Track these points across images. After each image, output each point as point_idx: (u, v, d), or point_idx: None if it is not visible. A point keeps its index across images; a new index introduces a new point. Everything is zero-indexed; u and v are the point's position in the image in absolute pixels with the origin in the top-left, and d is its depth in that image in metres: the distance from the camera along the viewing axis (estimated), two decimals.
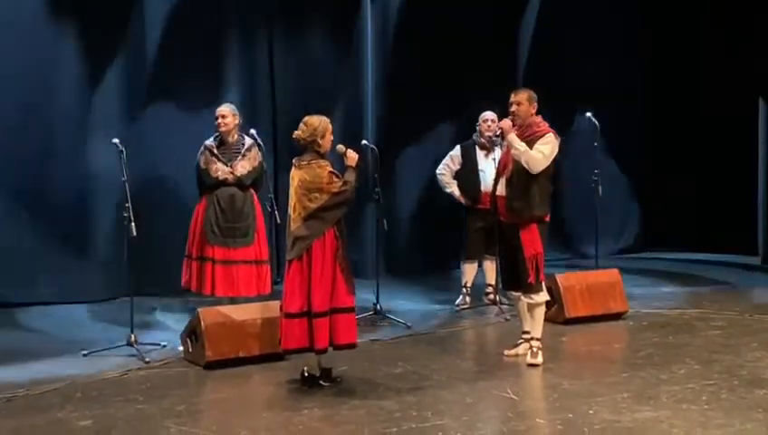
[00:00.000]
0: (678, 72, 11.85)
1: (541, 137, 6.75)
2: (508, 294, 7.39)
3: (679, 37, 11.84)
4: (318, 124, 6.26)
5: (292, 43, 10.13)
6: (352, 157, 6.34)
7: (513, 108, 6.85)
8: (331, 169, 6.25)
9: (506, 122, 6.84)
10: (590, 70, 11.34)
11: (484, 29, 10.84)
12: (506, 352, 7.12)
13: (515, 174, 6.76)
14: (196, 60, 9.61)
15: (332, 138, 6.34)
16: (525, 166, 6.69)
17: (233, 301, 7.83)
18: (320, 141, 6.24)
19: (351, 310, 6.29)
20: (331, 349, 6.28)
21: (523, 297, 6.92)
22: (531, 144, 6.71)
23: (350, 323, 6.28)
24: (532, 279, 6.76)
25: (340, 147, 6.44)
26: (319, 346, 6.21)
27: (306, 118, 6.33)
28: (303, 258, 6.19)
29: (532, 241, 6.73)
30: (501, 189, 6.88)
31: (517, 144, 6.71)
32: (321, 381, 6.36)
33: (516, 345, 7.11)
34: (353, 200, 6.30)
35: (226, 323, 6.94)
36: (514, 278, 6.90)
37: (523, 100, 6.83)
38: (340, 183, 6.21)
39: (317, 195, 6.18)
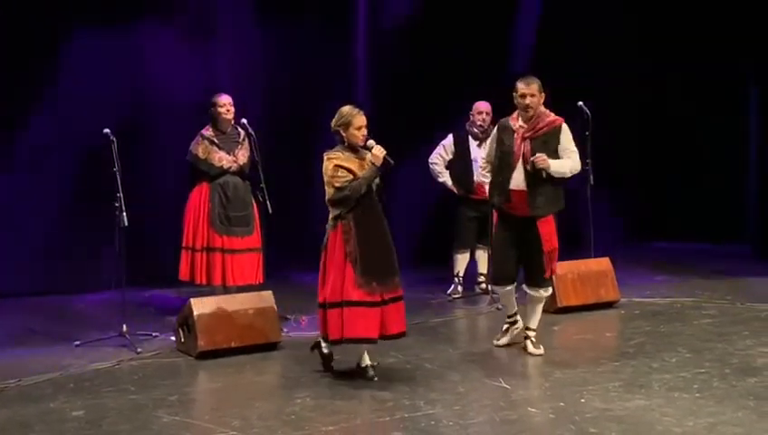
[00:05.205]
0: (670, 63, 11.83)
1: (555, 128, 6.58)
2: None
3: (669, 26, 11.82)
4: (344, 114, 6.15)
5: (284, 31, 10.10)
6: (376, 154, 6.13)
7: (527, 100, 6.55)
8: (338, 163, 6.09)
9: (544, 160, 6.47)
10: (582, 60, 11.33)
11: (479, 17, 10.84)
12: (496, 341, 7.10)
13: (536, 169, 6.53)
14: (187, 46, 9.60)
15: (363, 132, 6.13)
16: (570, 174, 6.60)
17: (226, 290, 7.85)
18: (343, 132, 6.14)
19: (357, 304, 6.06)
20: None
21: (530, 290, 6.81)
22: (546, 136, 6.54)
23: (355, 316, 6.05)
24: (548, 274, 6.71)
25: (371, 142, 6.19)
26: (330, 337, 6.18)
27: (342, 107, 6.23)
28: (327, 248, 6.17)
29: (549, 235, 6.63)
30: (518, 183, 6.61)
31: (562, 170, 6.53)
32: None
33: (504, 333, 7.06)
34: (354, 197, 6.06)
35: (219, 314, 6.94)
36: (526, 274, 6.74)
37: (535, 90, 6.56)
38: (346, 178, 6.07)
39: (327, 187, 6.14)
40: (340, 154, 6.14)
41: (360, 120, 6.15)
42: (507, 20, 11.30)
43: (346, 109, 6.20)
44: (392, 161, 6.17)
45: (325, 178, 6.13)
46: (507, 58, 11.09)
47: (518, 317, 7.03)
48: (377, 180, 6.20)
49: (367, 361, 6.35)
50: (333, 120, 6.19)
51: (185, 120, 8.98)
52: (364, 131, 6.16)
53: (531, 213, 6.62)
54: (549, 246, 6.64)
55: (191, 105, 9.16)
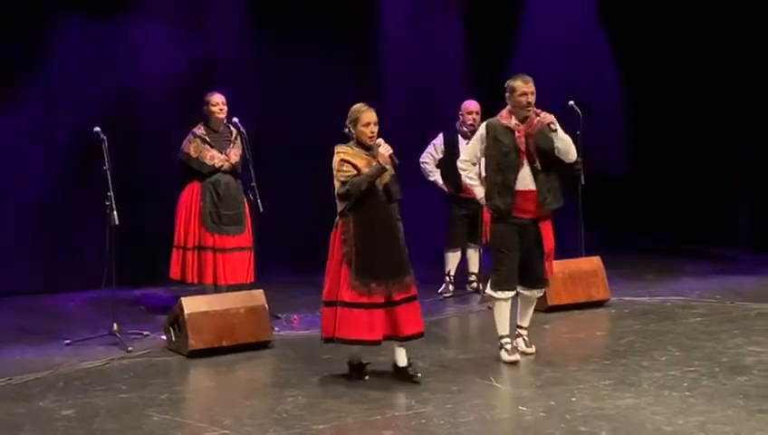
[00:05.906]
0: (669, 63, 11.85)
1: (547, 123, 6.51)
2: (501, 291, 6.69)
3: (668, 26, 11.84)
4: (353, 110, 6.12)
5: (282, 30, 10.10)
6: (381, 154, 6.08)
7: (529, 98, 6.52)
8: (345, 157, 6.04)
9: (551, 116, 6.46)
10: (575, 62, 11.38)
11: (478, 17, 10.91)
12: (509, 358, 6.65)
13: (544, 165, 6.49)
14: (182, 48, 9.60)
15: (372, 128, 6.06)
16: (564, 156, 6.50)
17: (217, 289, 7.85)
18: (352, 129, 6.11)
19: (349, 305, 6.00)
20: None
21: (525, 291, 6.73)
22: (543, 132, 6.49)
23: (346, 316, 5.99)
24: (548, 275, 6.67)
25: (379, 141, 6.14)
26: (323, 334, 6.16)
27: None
28: (329, 247, 6.14)
29: (549, 235, 6.59)
30: (526, 183, 6.49)
31: (566, 137, 6.49)
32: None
33: (513, 352, 6.69)
34: (354, 193, 5.98)
35: (209, 312, 6.93)
36: (524, 275, 6.63)
37: (534, 88, 6.54)
38: (349, 172, 6.01)
39: (335, 181, 6.08)
40: (349, 149, 6.11)
41: (368, 116, 6.08)
42: (507, 20, 11.34)
43: (356, 106, 6.16)
44: (397, 161, 6.13)
45: (333, 172, 6.10)
46: (506, 58, 11.12)
47: (510, 339, 6.73)
48: (387, 179, 6.12)
49: (404, 361, 6.25)
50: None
51: (177, 117, 8.99)
52: (372, 128, 6.09)
53: (542, 211, 6.55)
54: (549, 245, 6.62)
55: (184, 102, 9.16)
